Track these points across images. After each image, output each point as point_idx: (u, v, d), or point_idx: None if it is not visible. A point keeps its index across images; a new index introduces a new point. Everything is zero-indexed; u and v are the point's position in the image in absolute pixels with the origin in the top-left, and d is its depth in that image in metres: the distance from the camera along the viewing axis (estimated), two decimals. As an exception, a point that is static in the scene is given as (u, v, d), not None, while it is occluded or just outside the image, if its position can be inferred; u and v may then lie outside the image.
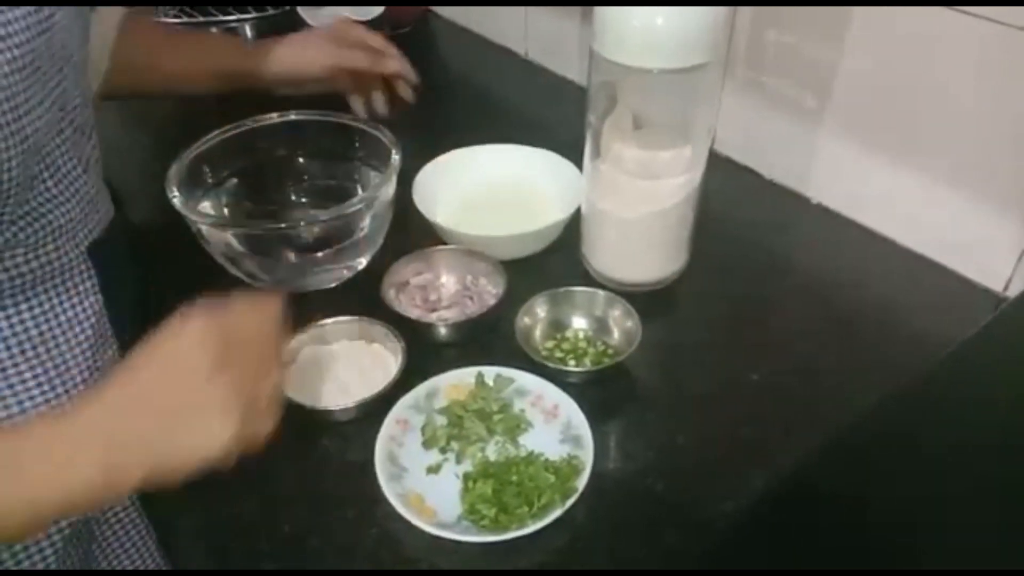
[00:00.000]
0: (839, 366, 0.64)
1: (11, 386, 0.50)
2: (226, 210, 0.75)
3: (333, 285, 0.72)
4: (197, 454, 0.42)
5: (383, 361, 0.64)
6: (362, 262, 0.72)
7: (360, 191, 0.77)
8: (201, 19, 1.09)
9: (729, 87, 0.83)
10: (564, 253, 0.75)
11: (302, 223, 0.69)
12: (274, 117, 0.77)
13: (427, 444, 0.58)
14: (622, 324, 0.65)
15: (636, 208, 0.66)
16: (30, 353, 0.50)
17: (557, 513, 0.52)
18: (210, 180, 0.74)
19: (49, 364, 0.51)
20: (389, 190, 0.70)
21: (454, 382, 0.62)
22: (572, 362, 0.64)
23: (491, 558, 0.52)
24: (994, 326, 0.68)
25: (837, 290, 0.72)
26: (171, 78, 0.82)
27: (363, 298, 0.69)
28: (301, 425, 0.60)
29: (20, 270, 0.48)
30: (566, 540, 0.53)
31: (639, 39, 0.58)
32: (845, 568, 0.75)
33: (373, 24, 1.15)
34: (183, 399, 0.43)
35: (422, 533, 0.51)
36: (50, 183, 0.49)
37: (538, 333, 0.66)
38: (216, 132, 0.74)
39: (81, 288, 0.53)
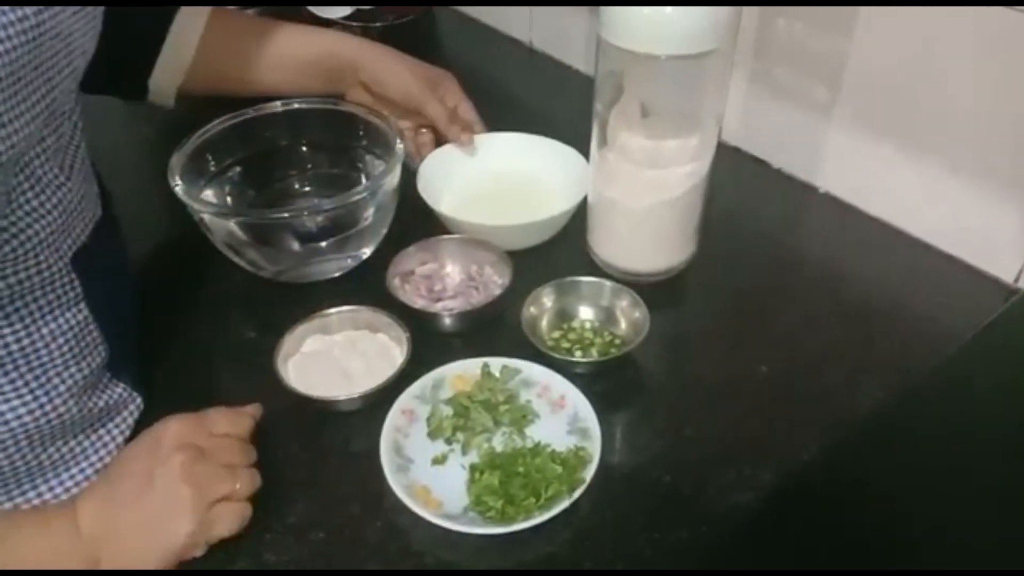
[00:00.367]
0: (849, 358, 0.64)
1: None
2: (229, 199, 0.75)
3: (337, 275, 0.72)
4: (157, 551, 0.48)
5: (388, 351, 0.63)
6: (366, 251, 0.72)
7: (364, 180, 0.76)
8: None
9: (737, 76, 0.82)
10: (570, 243, 0.74)
11: (306, 212, 0.69)
12: (277, 106, 0.76)
13: (433, 435, 0.58)
14: (629, 315, 0.65)
15: (643, 197, 0.66)
16: (9, 367, 0.49)
17: (564, 505, 0.51)
18: (213, 169, 0.73)
19: (30, 377, 0.50)
20: (393, 179, 0.69)
21: (460, 372, 0.61)
22: (579, 353, 0.63)
23: (498, 550, 0.51)
24: (1005, 319, 0.67)
25: (846, 281, 0.72)
26: (261, 66, 0.79)
27: (367, 288, 0.68)
28: (305, 416, 0.60)
29: None
30: (573, 532, 0.52)
31: (647, 25, 0.57)
32: (854, 565, 0.75)
33: (376, 13, 1.14)
34: (151, 499, 0.48)
35: (428, 525, 0.51)
36: (30, 195, 0.47)
37: (544, 323, 0.66)
38: (219, 120, 0.73)
39: (64, 299, 0.51)
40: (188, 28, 0.74)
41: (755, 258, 0.74)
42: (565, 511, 0.51)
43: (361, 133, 0.76)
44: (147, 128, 0.94)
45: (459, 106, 0.82)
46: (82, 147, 0.55)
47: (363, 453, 0.56)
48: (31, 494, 0.53)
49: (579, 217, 0.73)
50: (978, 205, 0.69)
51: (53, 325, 0.51)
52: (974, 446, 0.74)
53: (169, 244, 0.78)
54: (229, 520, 0.49)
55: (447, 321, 0.66)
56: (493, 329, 0.66)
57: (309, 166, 0.79)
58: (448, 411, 0.59)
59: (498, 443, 0.57)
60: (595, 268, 0.71)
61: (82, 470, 0.54)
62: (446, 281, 0.70)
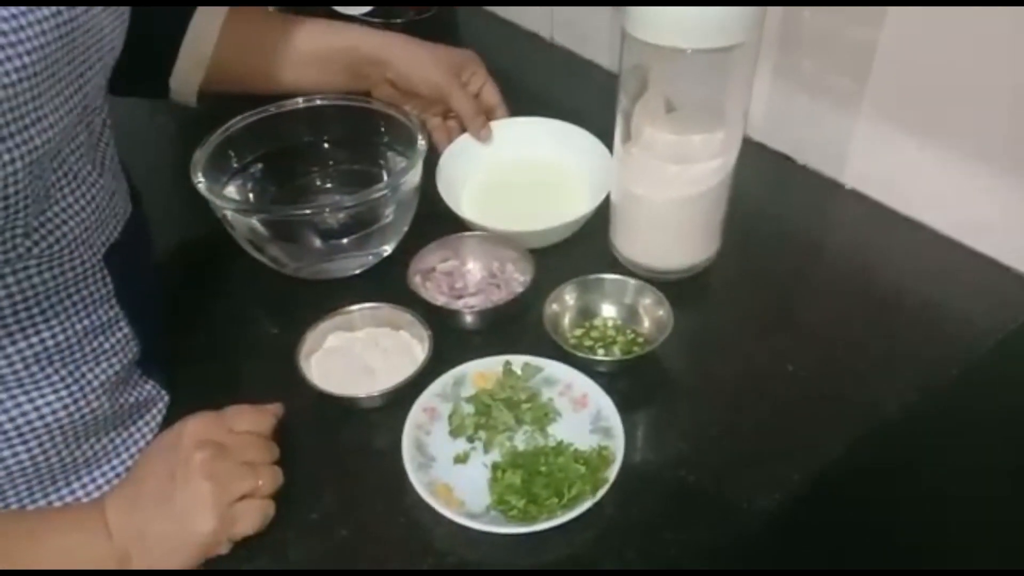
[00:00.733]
0: (876, 357, 0.63)
1: (32, 401, 0.49)
2: (251, 195, 0.75)
3: (358, 271, 0.72)
4: (182, 549, 0.48)
5: (409, 348, 0.63)
6: (387, 248, 0.72)
7: (385, 176, 0.76)
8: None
9: (761, 70, 0.80)
10: (592, 240, 0.73)
11: (327, 209, 0.68)
12: (299, 102, 0.76)
13: (454, 433, 0.57)
14: (653, 312, 0.64)
15: (668, 193, 0.65)
16: (45, 363, 0.49)
17: (587, 504, 0.51)
18: (235, 165, 0.74)
19: (65, 373, 0.50)
20: (415, 176, 0.69)
21: (481, 370, 0.61)
22: (601, 351, 0.63)
23: (520, 549, 0.51)
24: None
25: (873, 278, 0.70)
26: (282, 62, 0.79)
27: (388, 285, 0.68)
28: (327, 412, 0.60)
29: (32, 282, 0.47)
30: (596, 532, 0.52)
31: (673, 19, 0.56)
32: (881, 566, 0.74)
33: (397, 9, 1.14)
34: (174, 498, 0.48)
35: (450, 523, 0.51)
36: (67, 191, 0.47)
37: (567, 321, 0.65)
38: (241, 117, 0.73)
39: (96, 296, 0.52)
40: (207, 26, 0.75)
41: (780, 255, 0.73)
42: (588, 511, 0.51)
43: (383, 129, 0.76)
44: (170, 125, 0.94)
45: (484, 88, 0.81)
46: (111, 144, 0.55)
47: (385, 451, 0.56)
48: (64, 491, 0.53)
49: (602, 213, 0.72)
50: (1010, 201, 0.67)
51: (87, 321, 0.51)
52: (1004, 446, 0.73)
53: (192, 240, 0.78)
54: (252, 517, 0.49)
55: (468, 318, 0.65)
56: (515, 327, 0.65)
57: (331, 162, 0.79)
58: (470, 409, 0.59)
59: (520, 442, 0.57)
60: (618, 265, 0.70)
61: (113, 467, 0.55)
62: (467, 278, 0.70)
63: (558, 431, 0.57)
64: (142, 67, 0.72)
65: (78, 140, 0.49)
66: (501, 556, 0.51)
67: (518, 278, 0.69)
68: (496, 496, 0.52)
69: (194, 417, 0.52)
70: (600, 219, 0.72)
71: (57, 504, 0.53)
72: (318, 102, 0.76)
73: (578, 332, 0.65)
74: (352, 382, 0.60)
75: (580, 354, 0.61)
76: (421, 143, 0.69)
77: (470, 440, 0.57)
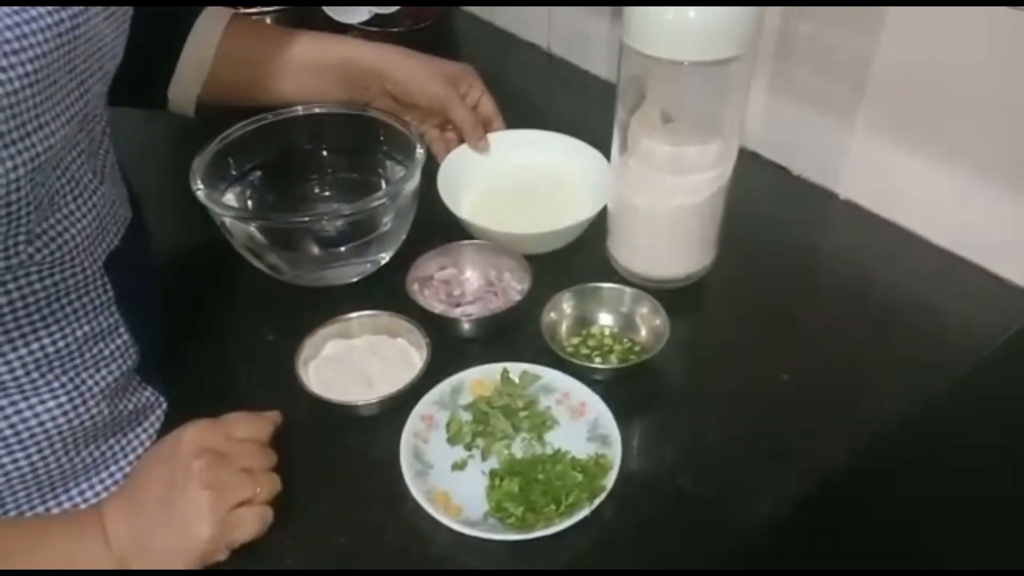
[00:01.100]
0: (871, 367, 0.63)
1: (31, 407, 0.49)
2: (250, 203, 0.75)
3: (356, 279, 0.72)
4: (180, 556, 0.48)
5: (407, 356, 0.63)
6: (385, 256, 0.72)
7: (384, 185, 0.76)
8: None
9: (757, 81, 0.81)
10: (590, 249, 0.74)
11: (325, 216, 0.69)
12: (298, 110, 0.76)
13: (452, 440, 0.58)
14: (649, 321, 0.64)
15: (665, 203, 0.66)
16: (45, 369, 0.49)
17: (585, 512, 0.51)
18: (234, 173, 0.74)
19: (65, 379, 0.50)
20: (413, 184, 0.69)
21: (479, 378, 0.61)
22: (598, 359, 0.63)
23: (518, 557, 0.51)
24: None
25: (868, 288, 0.71)
26: (280, 74, 0.79)
27: (386, 292, 0.69)
28: (325, 420, 0.60)
29: (34, 288, 0.47)
30: (594, 539, 0.52)
31: (671, 31, 0.57)
32: (875, 571, 0.74)
33: (395, 18, 1.15)
34: (172, 505, 0.48)
35: (448, 530, 0.51)
36: (68, 198, 0.48)
37: (564, 329, 0.65)
38: (240, 124, 0.73)
39: (97, 302, 0.52)
40: (206, 38, 0.75)
41: (775, 265, 0.74)
42: (585, 518, 0.51)
43: (381, 138, 0.76)
44: (169, 132, 0.94)
45: (481, 100, 0.82)
46: (111, 152, 0.55)
47: (383, 458, 0.56)
48: (63, 498, 0.53)
49: (599, 222, 0.72)
50: (1004, 212, 0.68)
51: (87, 328, 0.51)
52: (1000, 455, 0.73)
53: (190, 248, 0.78)
54: (250, 524, 0.50)
55: (466, 326, 0.66)
56: (512, 335, 0.66)
57: (329, 170, 0.79)
58: (468, 417, 0.59)
59: (518, 449, 0.57)
60: (615, 274, 0.71)
61: (111, 474, 0.55)
62: (465, 286, 0.70)
63: (556, 439, 0.58)
64: (141, 78, 0.72)
65: (79, 147, 0.49)
66: (498, 563, 0.51)
67: (516, 286, 0.69)
68: (494, 504, 0.53)
69: (192, 424, 0.52)
70: (597, 228, 0.73)
71: (56, 511, 0.53)
72: (317, 110, 0.77)
73: (575, 340, 0.65)
74: (350, 389, 0.60)
75: (577, 362, 0.61)
76: (419, 152, 0.70)
77: (468, 448, 0.57)
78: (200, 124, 0.78)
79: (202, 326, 0.69)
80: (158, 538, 0.47)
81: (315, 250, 0.69)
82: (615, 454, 0.54)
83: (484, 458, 0.57)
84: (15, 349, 0.47)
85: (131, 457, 0.56)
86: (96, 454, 0.54)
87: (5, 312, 0.46)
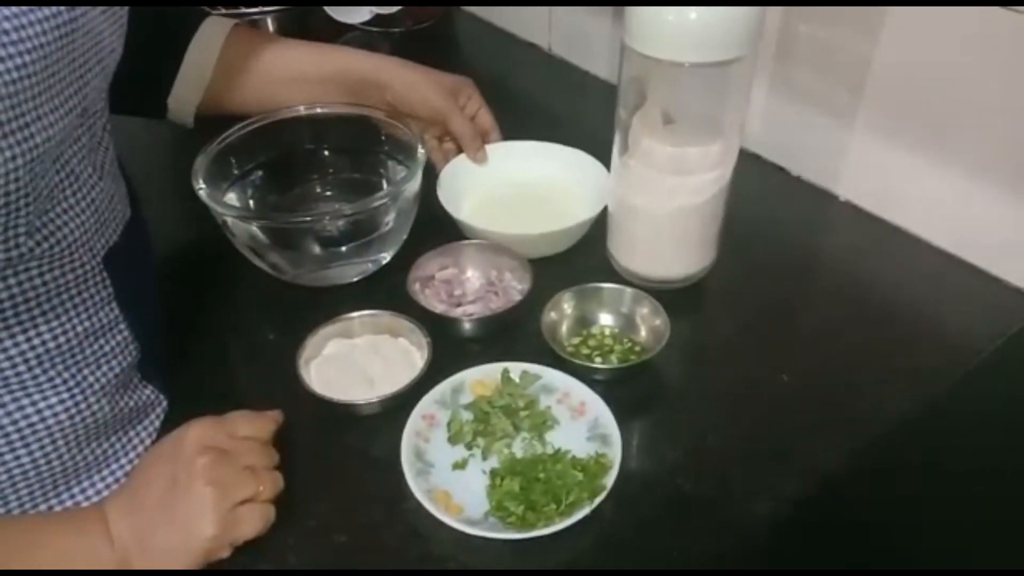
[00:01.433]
0: (870, 368, 0.63)
1: (33, 403, 0.49)
2: (251, 202, 0.75)
3: (357, 279, 0.72)
4: (183, 554, 0.48)
5: (409, 355, 0.63)
6: (386, 256, 0.72)
7: (385, 185, 0.77)
8: (224, 11, 1.09)
9: (757, 81, 0.82)
10: (590, 249, 0.74)
11: (327, 216, 0.69)
12: (300, 110, 0.76)
13: (453, 440, 0.58)
14: (650, 321, 0.65)
15: (665, 204, 0.66)
16: (47, 365, 0.49)
17: (585, 511, 0.51)
18: (236, 172, 0.74)
19: (67, 376, 0.50)
20: (414, 184, 0.69)
21: (480, 378, 0.61)
22: (598, 359, 0.63)
23: (518, 556, 0.51)
24: (1028, 329, 0.66)
25: (867, 290, 0.71)
26: (279, 84, 0.79)
27: (387, 292, 0.69)
28: (326, 419, 0.60)
29: (34, 283, 0.47)
30: (594, 539, 0.52)
31: (672, 33, 0.57)
32: (875, 571, 0.74)
33: (395, 18, 1.15)
34: (175, 502, 0.48)
35: (449, 529, 0.51)
36: (68, 192, 0.48)
37: (564, 329, 0.66)
38: (242, 124, 0.74)
39: (97, 298, 0.52)
40: (207, 47, 0.75)
41: (775, 266, 0.74)
42: (586, 518, 0.51)
43: (383, 139, 0.76)
44: (170, 131, 0.94)
45: (479, 112, 0.82)
46: (110, 149, 0.55)
47: (384, 457, 0.56)
48: (65, 496, 0.53)
49: (600, 224, 0.73)
50: (1002, 214, 0.68)
51: (87, 323, 0.51)
52: (999, 456, 0.73)
53: (191, 246, 0.78)
54: (253, 522, 0.50)
55: (467, 326, 0.66)
56: (513, 335, 0.66)
57: (331, 171, 0.79)
58: (468, 416, 0.59)
59: (518, 449, 0.57)
60: (615, 275, 0.71)
61: (112, 472, 0.55)
62: (466, 286, 0.70)
63: (556, 438, 0.58)
64: (141, 88, 0.73)
65: (79, 142, 0.49)
66: (499, 562, 0.51)
67: (516, 286, 0.69)
68: (494, 503, 0.53)
69: (195, 422, 0.52)
70: (598, 229, 0.73)
71: (58, 509, 0.53)
72: (319, 110, 0.77)
73: (576, 340, 0.65)
74: (351, 389, 0.60)
75: (578, 362, 0.61)
76: (421, 152, 0.70)
77: (469, 447, 0.58)
78: (200, 124, 0.78)
79: (203, 325, 0.69)
80: (161, 536, 0.48)
81: (316, 250, 0.69)
82: (615, 454, 0.55)
83: (485, 457, 0.57)
84: (16, 344, 0.48)
85: (132, 455, 0.56)
86: (97, 452, 0.54)
87: (6, 306, 0.46)
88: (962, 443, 0.70)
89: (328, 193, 0.79)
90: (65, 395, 0.50)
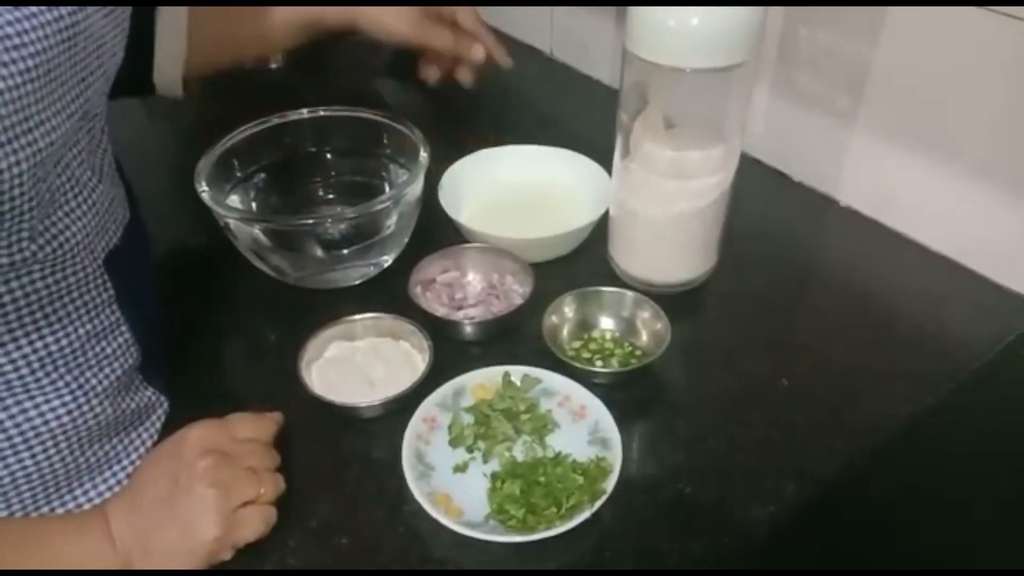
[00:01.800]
0: (871, 372, 0.63)
1: (36, 406, 0.49)
2: (254, 205, 0.76)
3: (359, 281, 0.72)
4: (185, 556, 0.48)
5: (410, 358, 0.63)
6: (388, 259, 0.72)
7: (387, 188, 0.77)
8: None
9: (759, 87, 0.82)
10: (591, 253, 0.74)
11: (329, 219, 0.69)
12: (303, 113, 0.77)
13: (454, 443, 0.58)
14: (650, 326, 0.65)
15: (666, 208, 0.66)
16: (49, 368, 0.49)
17: (585, 515, 0.51)
18: (238, 175, 0.74)
19: (69, 378, 0.51)
20: (417, 188, 0.70)
21: (481, 381, 0.61)
22: (599, 363, 0.64)
23: (519, 559, 0.51)
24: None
25: (868, 294, 0.71)
26: (254, 42, 0.81)
27: (389, 295, 0.69)
28: (328, 421, 0.60)
29: (36, 286, 0.47)
30: (594, 542, 0.52)
31: (674, 38, 0.57)
32: (875, 571, 0.74)
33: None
34: (177, 504, 0.48)
35: (450, 532, 0.51)
36: (70, 195, 0.48)
37: (565, 333, 0.66)
38: (245, 127, 0.74)
39: (98, 300, 0.52)
40: (174, 21, 0.75)
41: (776, 271, 0.74)
42: (586, 521, 0.51)
43: (385, 141, 0.76)
44: (171, 133, 0.95)
45: (458, 14, 0.83)
46: (109, 151, 0.56)
47: (385, 460, 0.56)
48: (67, 498, 0.53)
49: (601, 228, 0.73)
50: (1002, 219, 0.69)
51: (89, 326, 0.51)
52: (998, 462, 0.74)
53: (193, 249, 0.79)
54: (254, 524, 0.50)
55: (468, 329, 0.66)
56: (514, 338, 0.66)
57: (333, 173, 0.80)
58: (469, 419, 0.59)
59: (519, 452, 0.58)
60: (616, 279, 0.71)
61: (114, 474, 0.55)
62: (467, 290, 0.71)
63: (556, 442, 0.58)
64: (123, 67, 0.73)
65: (80, 146, 0.49)
66: (499, 565, 0.51)
67: (518, 290, 0.69)
68: (495, 506, 0.53)
69: (197, 425, 0.52)
70: (599, 233, 0.73)
71: (60, 511, 0.53)
72: (322, 113, 0.77)
73: (576, 344, 0.65)
74: (353, 391, 0.60)
75: (579, 366, 0.61)
76: (423, 155, 0.70)
77: (469, 450, 0.58)
78: (202, 125, 0.79)
79: (205, 327, 0.70)
80: (163, 537, 0.48)
81: (318, 252, 0.69)
82: (615, 457, 0.55)
83: (486, 460, 0.57)
84: (19, 348, 0.48)
85: (134, 457, 0.56)
86: (100, 454, 0.54)
87: (9, 310, 0.46)
88: (962, 449, 0.70)
89: (330, 196, 0.80)
90: (67, 398, 0.50)
